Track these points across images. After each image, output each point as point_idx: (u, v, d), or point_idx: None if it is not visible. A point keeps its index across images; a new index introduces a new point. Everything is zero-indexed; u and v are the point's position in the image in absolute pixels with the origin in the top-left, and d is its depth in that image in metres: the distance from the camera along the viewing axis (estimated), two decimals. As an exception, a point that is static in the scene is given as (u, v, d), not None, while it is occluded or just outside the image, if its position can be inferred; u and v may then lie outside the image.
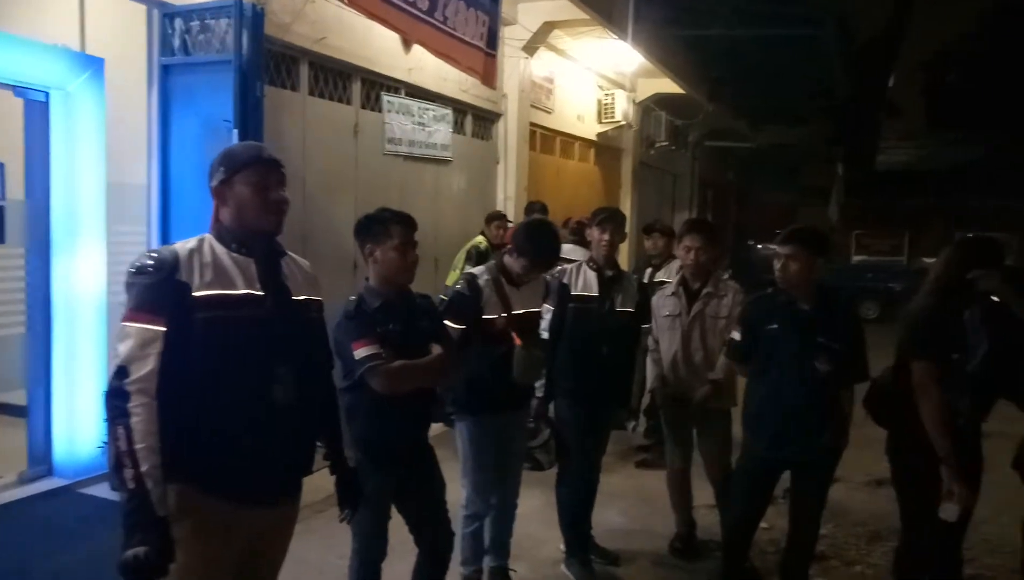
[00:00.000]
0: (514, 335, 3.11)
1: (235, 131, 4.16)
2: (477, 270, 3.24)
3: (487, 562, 3.41)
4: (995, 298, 2.79)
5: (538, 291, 3.34)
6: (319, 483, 2.51)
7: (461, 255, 6.21)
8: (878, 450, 3.17)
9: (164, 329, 1.80)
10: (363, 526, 2.67)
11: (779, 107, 13.05)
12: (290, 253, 2.12)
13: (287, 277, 2.04)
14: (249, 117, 4.22)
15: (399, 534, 2.81)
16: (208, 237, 1.97)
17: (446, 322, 3.09)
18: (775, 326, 3.17)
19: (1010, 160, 20.45)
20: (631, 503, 4.62)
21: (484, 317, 3.11)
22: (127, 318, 1.82)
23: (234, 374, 1.89)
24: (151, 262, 1.84)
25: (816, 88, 11.10)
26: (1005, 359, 2.78)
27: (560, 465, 3.64)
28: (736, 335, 3.39)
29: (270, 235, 2.00)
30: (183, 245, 1.92)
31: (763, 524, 4.01)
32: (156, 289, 1.82)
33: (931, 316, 2.91)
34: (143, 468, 1.74)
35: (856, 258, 22.01)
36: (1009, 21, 22.95)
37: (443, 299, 3.20)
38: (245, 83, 4.20)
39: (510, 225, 6.24)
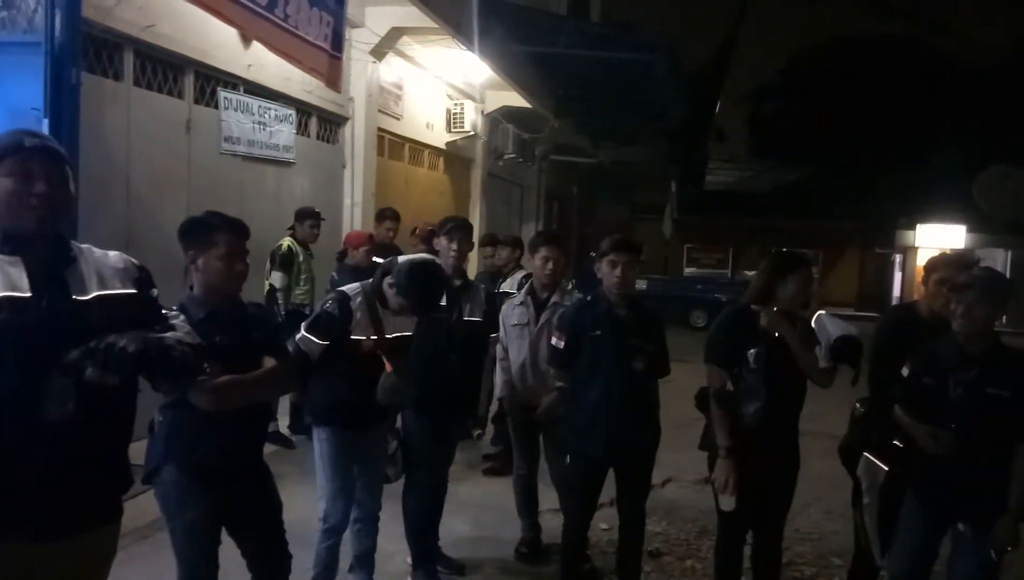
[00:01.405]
0: (385, 361, 3.04)
1: (45, 120, 3.76)
2: (351, 289, 3.12)
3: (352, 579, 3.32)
4: (775, 334, 3.03)
5: (412, 315, 3.24)
6: (143, 506, 2.30)
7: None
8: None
9: None
10: (190, 552, 2.48)
11: (618, 126, 13.72)
12: (90, 248, 1.88)
13: (74, 274, 1.79)
14: (63, 106, 3.83)
15: (231, 558, 2.63)
16: None
17: (308, 335, 3.00)
18: (599, 332, 3.33)
19: (818, 185, 22.85)
20: (478, 511, 4.63)
21: (352, 338, 3.03)
22: None
23: None
24: None
25: (652, 111, 11.77)
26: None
27: (407, 476, 3.58)
28: (560, 343, 3.47)
29: (37, 234, 1.75)
30: None
31: (603, 525, 4.17)
32: None
33: (720, 325, 3.24)
34: None
35: (687, 270, 23.64)
36: (815, 61, 25.67)
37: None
38: (58, 68, 3.80)
39: (323, 221, 5.99)
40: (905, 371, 2.95)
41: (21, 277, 1.70)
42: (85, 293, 1.80)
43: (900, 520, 2.96)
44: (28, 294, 1.70)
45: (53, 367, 1.69)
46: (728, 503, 3.08)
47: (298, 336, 3.06)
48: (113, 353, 1.65)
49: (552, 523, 4.14)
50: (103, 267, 1.87)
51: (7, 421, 1.67)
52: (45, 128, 3.73)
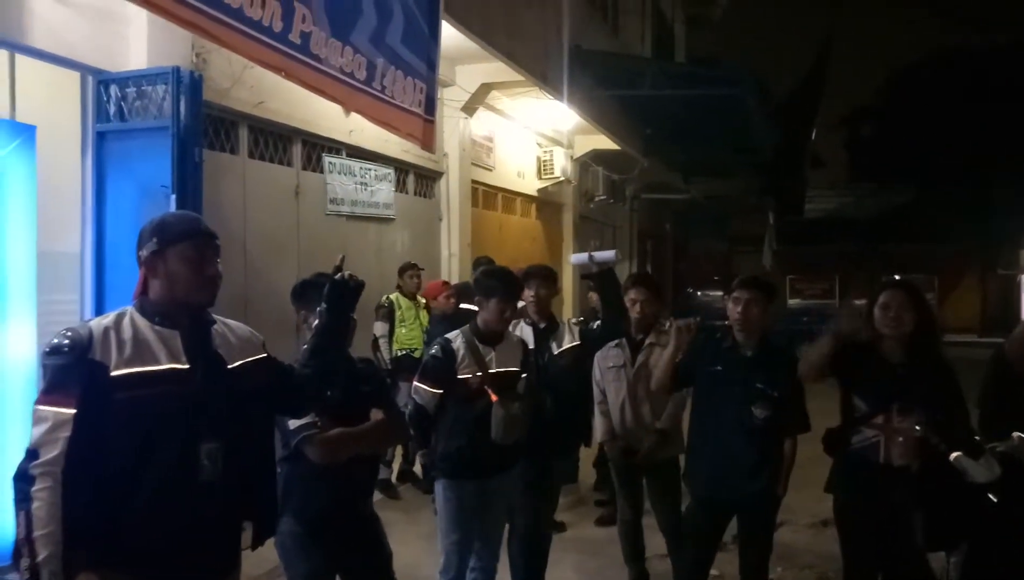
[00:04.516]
0: (490, 392, 3.11)
1: (173, 197, 4.12)
2: (452, 334, 3.27)
3: None
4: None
5: (515, 351, 3.32)
6: (264, 555, 2.44)
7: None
8: (821, 491, 3.25)
9: (74, 411, 1.74)
10: (307, 601, 2.60)
11: (709, 161, 13.57)
12: (221, 319, 2.05)
13: (219, 346, 1.97)
14: (188, 182, 4.19)
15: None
16: (130, 310, 1.90)
17: (420, 385, 3.11)
18: (719, 368, 3.25)
19: (926, 207, 21.67)
20: (584, 557, 4.59)
21: (459, 377, 3.13)
22: (40, 401, 1.77)
23: (157, 453, 1.81)
24: (66, 342, 1.78)
25: (743, 143, 11.60)
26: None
27: (511, 522, 3.62)
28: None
29: (201, 308, 1.95)
30: (99, 322, 1.86)
31: (713, 571, 4.04)
32: (67, 371, 1.76)
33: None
34: (40, 557, 1.67)
35: (791, 302, 22.76)
36: (914, 79, 24.60)
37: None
38: (183, 148, 4.17)
39: (422, 271, 6.22)
40: None
41: (178, 349, 1.88)
42: (232, 362, 1.98)
43: None
44: (187, 366, 1.88)
45: (206, 432, 1.86)
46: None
47: (412, 390, 3.20)
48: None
49: (660, 568, 4.07)
50: (240, 336, 2.05)
51: (167, 482, 1.83)
52: (173, 204, 4.09)
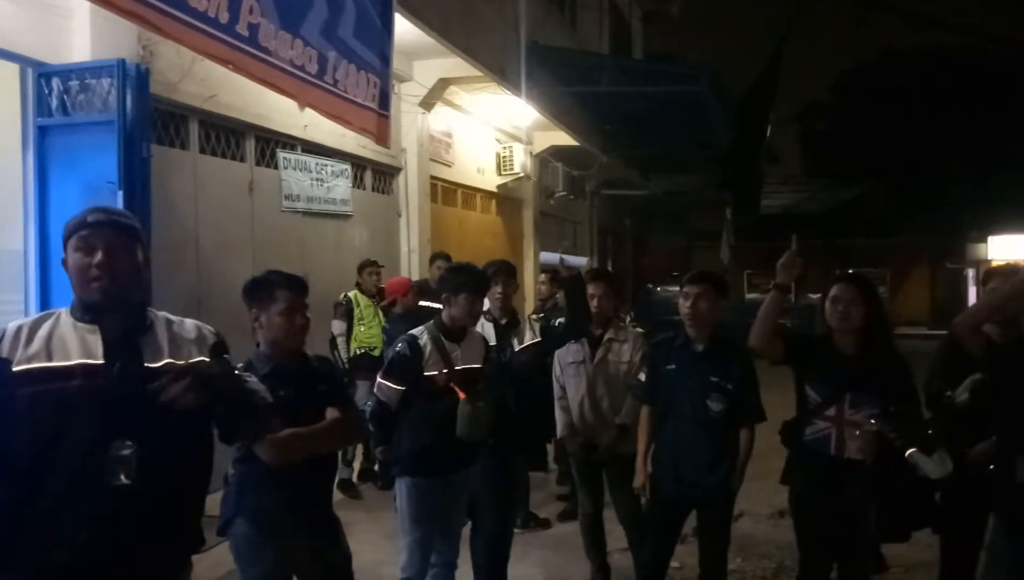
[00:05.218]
0: (456, 389, 3.10)
1: (120, 193, 4.00)
2: (417, 331, 3.24)
3: None
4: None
5: (478, 348, 3.33)
6: (220, 557, 2.39)
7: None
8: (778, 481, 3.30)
9: None
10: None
11: (668, 157, 13.71)
12: (170, 317, 1.95)
13: (145, 343, 1.86)
14: (135, 178, 4.08)
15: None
16: (62, 310, 1.86)
17: (384, 382, 3.09)
18: (673, 367, 3.31)
19: (877, 202, 22.21)
20: (547, 552, 4.59)
21: (425, 374, 3.11)
22: None
23: (64, 453, 1.72)
24: None
25: (700, 139, 11.73)
26: None
27: (473, 520, 3.60)
28: (642, 376, 3.55)
29: (105, 304, 1.82)
30: (21, 320, 1.83)
31: (674, 563, 4.07)
32: None
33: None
34: None
35: (749, 296, 23.14)
36: (867, 76, 25.15)
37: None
38: (130, 143, 4.05)
39: (382, 268, 6.16)
40: None
41: (96, 345, 1.80)
42: (157, 361, 1.85)
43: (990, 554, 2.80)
44: (101, 361, 1.79)
45: (119, 432, 1.75)
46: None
47: (376, 386, 3.16)
48: (197, 371, 1.75)
49: (621, 562, 4.08)
50: (176, 335, 1.92)
51: (75, 484, 1.73)
52: (120, 200, 3.97)
